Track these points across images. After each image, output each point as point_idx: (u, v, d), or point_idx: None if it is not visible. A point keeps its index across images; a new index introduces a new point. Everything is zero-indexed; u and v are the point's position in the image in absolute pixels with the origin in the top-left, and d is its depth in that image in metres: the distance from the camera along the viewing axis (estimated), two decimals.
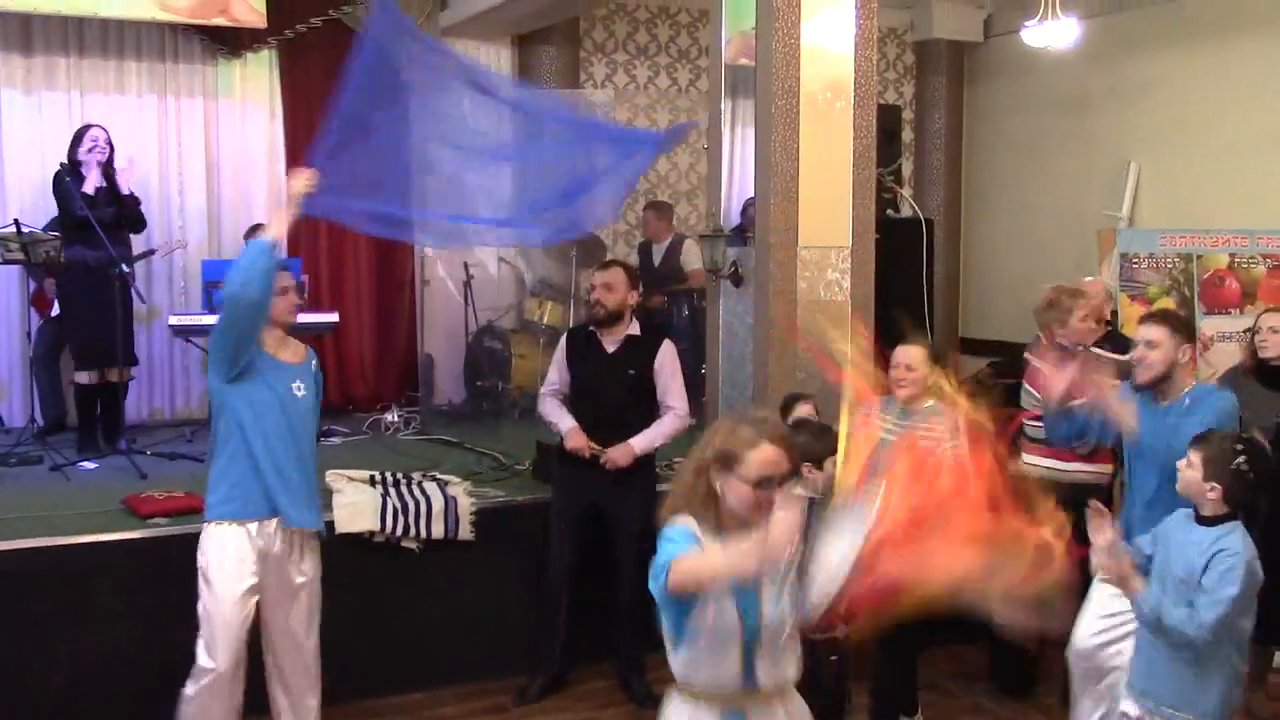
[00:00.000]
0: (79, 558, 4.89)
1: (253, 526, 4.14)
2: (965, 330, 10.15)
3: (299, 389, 4.23)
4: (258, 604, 4.21)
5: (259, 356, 4.14)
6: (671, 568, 2.64)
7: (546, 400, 5.27)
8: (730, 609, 2.76)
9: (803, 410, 4.76)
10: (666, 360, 5.14)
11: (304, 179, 4.14)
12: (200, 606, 4.17)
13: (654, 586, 2.72)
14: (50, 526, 5.07)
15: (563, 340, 5.36)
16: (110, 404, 6.93)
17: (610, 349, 5.12)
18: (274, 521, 4.16)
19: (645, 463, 5.15)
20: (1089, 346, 5.07)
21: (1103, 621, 4.16)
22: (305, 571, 4.30)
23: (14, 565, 4.81)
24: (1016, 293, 9.12)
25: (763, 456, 2.72)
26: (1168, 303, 7.05)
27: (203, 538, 4.20)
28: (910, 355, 4.71)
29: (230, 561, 4.12)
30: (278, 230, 4.17)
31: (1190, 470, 3.52)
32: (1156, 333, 4.09)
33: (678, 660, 2.85)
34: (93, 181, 6.72)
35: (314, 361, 4.40)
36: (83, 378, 6.84)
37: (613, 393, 5.08)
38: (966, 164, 10.40)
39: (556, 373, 5.29)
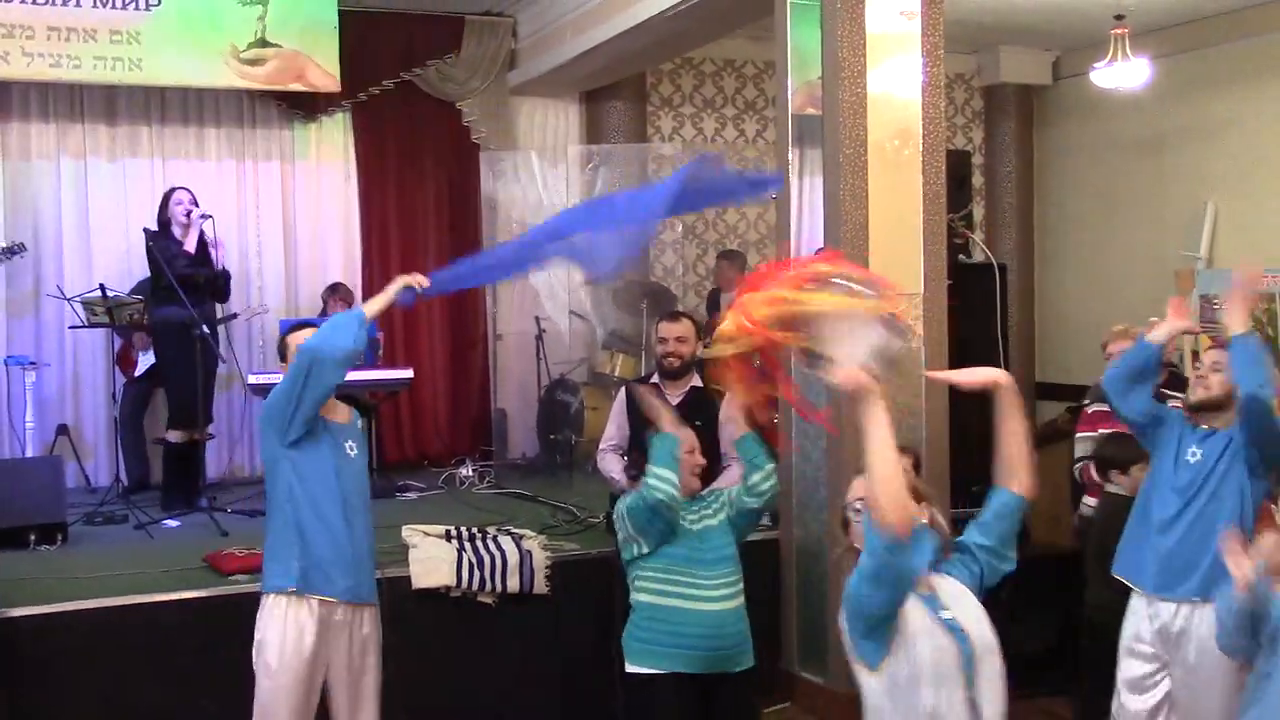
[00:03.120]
0: (163, 615, 4.96)
1: (313, 600, 3.99)
2: (1042, 375, 10.01)
3: (351, 448, 4.15)
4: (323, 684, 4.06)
5: (316, 420, 4.04)
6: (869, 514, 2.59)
7: (606, 455, 5.25)
8: (938, 627, 2.65)
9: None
10: (728, 408, 5.14)
11: (413, 279, 4.07)
12: (259, 689, 4.00)
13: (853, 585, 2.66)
14: (135, 584, 5.16)
15: (621, 394, 5.34)
16: (193, 462, 7.05)
17: (675, 400, 5.11)
18: (330, 596, 4.01)
19: None
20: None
21: (1142, 685, 4.10)
22: (369, 645, 4.13)
23: (100, 623, 4.89)
24: (1093, 336, 8.96)
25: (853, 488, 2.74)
26: None
27: (261, 612, 4.05)
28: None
29: (291, 638, 3.97)
30: (371, 310, 4.10)
31: None
32: (1226, 358, 4.01)
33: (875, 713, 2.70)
34: (192, 241, 6.88)
35: (360, 421, 4.35)
36: (174, 436, 6.95)
37: None
38: (1038, 207, 10.30)
39: (616, 427, 5.26)
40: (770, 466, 4.25)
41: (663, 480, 4.02)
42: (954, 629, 2.67)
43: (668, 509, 4.05)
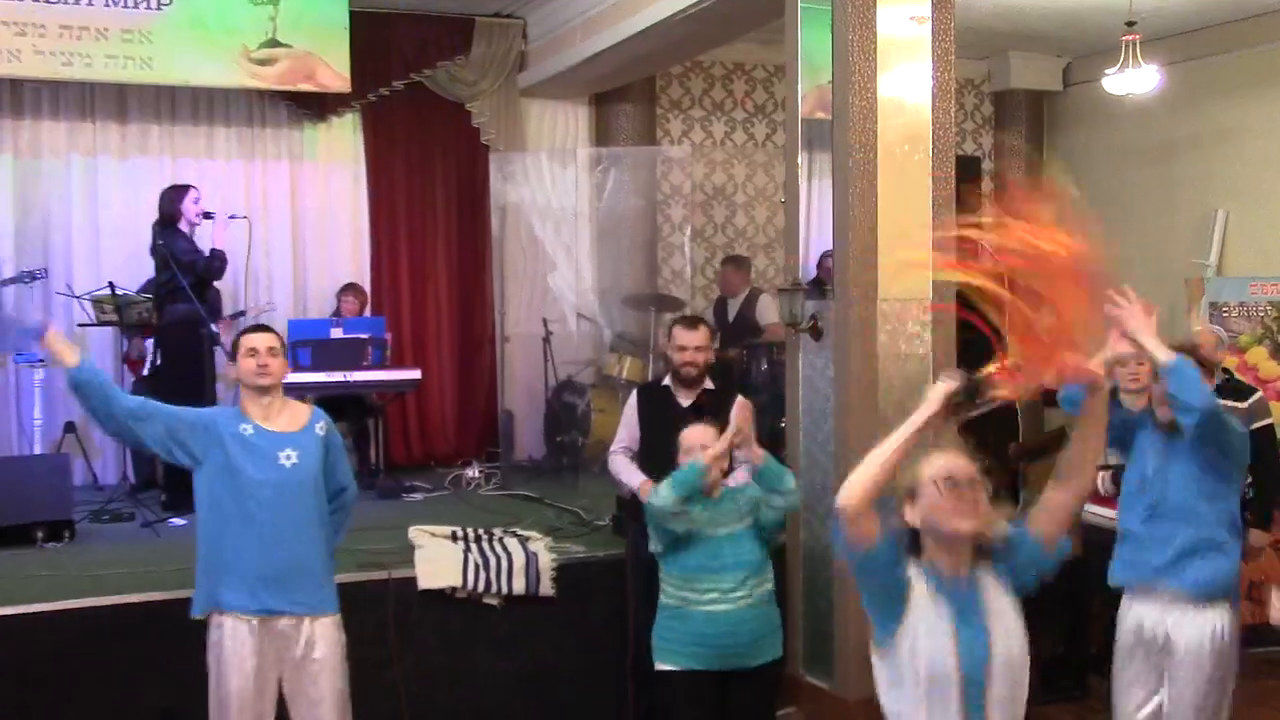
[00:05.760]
0: (169, 613, 4.96)
1: (249, 617, 3.91)
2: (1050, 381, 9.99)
3: (289, 458, 3.96)
4: (282, 702, 4.00)
5: (227, 433, 3.93)
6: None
7: (616, 458, 5.24)
8: (942, 636, 2.64)
9: None
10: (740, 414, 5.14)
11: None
12: (210, 709, 3.95)
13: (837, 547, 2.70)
14: (141, 582, 5.17)
15: (633, 397, 5.33)
16: None
17: (686, 404, 5.11)
18: (248, 614, 3.91)
19: None
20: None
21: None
22: (323, 655, 4.00)
23: (106, 620, 4.90)
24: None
25: (932, 464, 2.70)
26: (1260, 352, 6.89)
27: (206, 637, 3.97)
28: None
29: (232, 660, 3.90)
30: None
31: None
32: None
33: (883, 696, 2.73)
34: (220, 239, 6.93)
35: (320, 423, 4.10)
36: None
37: None
38: None
39: (626, 430, 5.25)
40: (790, 483, 4.33)
41: (658, 494, 4.20)
42: (968, 636, 2.64)
43: (663, 516, 4.19)
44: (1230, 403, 4.68)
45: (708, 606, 4.19)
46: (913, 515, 2.72)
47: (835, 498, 2.63)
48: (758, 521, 4.30)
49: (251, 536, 3.91)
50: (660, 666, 4.30)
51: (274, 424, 4.01)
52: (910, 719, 2.68)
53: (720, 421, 5.01)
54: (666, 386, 5.15)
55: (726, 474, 4.49)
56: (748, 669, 4.24)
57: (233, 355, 4.13)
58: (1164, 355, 3.78)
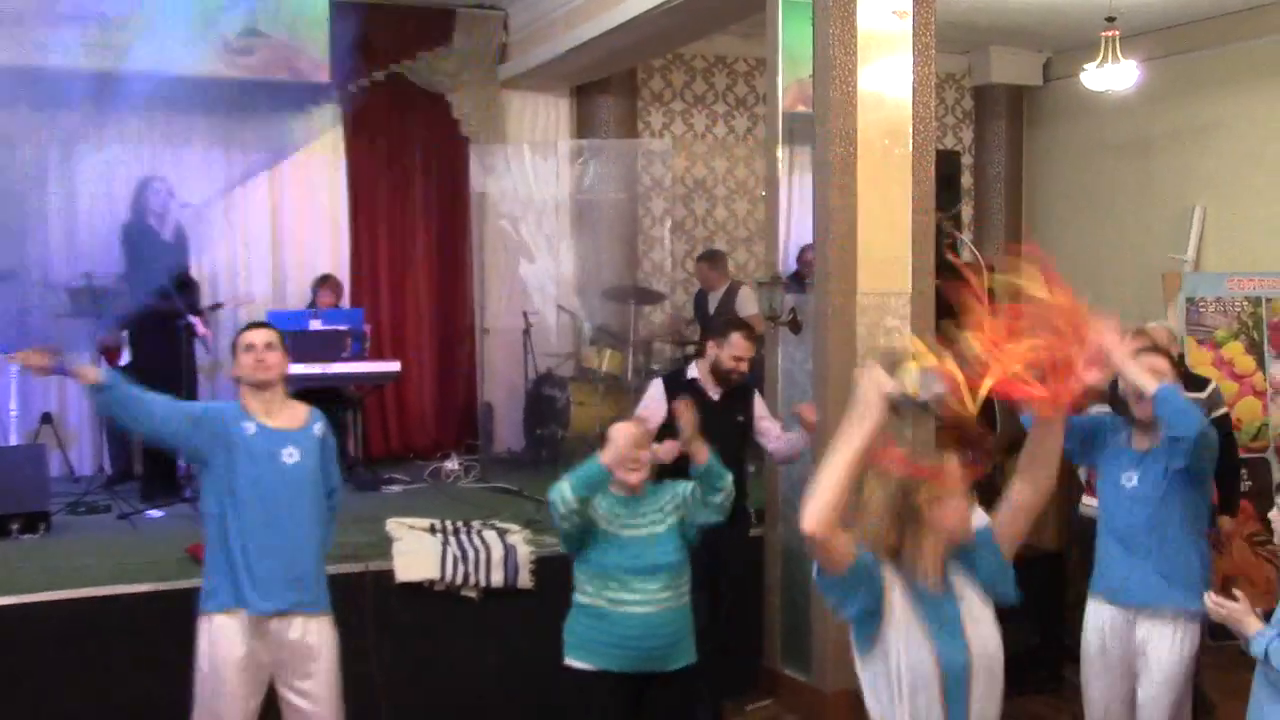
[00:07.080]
0: (145, 606, 4.94)
1: (244, 616, 3.89)
2: None
3: (290, 455, 3.97)
4: (277, 702, 3.99)
5: (232, 430, 3.93)
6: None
7: None
8: (925, 639, 2.66)
9: None
10: (760, 406, 5.34)
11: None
12: (195, 707, 3.94)
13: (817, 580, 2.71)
14: (116, 574, 5.14)
15: (656, 387, 5.31)
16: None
17: (715, 396, 5.15)
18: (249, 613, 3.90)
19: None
20: None
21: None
22: (316, 655, 4.01)
23: (81, 613, 4.88)
24: None
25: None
26: (1237, 347, 6.93)
27: (197, 636, 3.95)
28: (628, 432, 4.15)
29: (224, 659, 3.89)
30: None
31: None
32: (1162, 363, 4.04)
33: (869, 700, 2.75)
34: (169, 230, 6.89)
35: (318, 424, 4.12)
36: None
37: (724, 439, 4.98)
38: (1027, 209, 10.32)
39: (650, 415, 5.26)
40: (729, 483, 4.23)
41: (557, 490, 4.06)
42: (947, 641, 2.66)
43: (559, 518, 4.07)
44: (1189, 394, 4.71)
45: (629, 608, 4.07)
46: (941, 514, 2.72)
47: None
48: (682, 521, 4.19)
49: (252, 535, 3.90)
50: (571, 663, 4.16)
51: (275, 421, 4.01)
52: None
53: (746, 414, 5.18)
54: (694, 379, 5.20)
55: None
56: (666, 672, 4.15)
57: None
58: (1149, 384, 3.79)
